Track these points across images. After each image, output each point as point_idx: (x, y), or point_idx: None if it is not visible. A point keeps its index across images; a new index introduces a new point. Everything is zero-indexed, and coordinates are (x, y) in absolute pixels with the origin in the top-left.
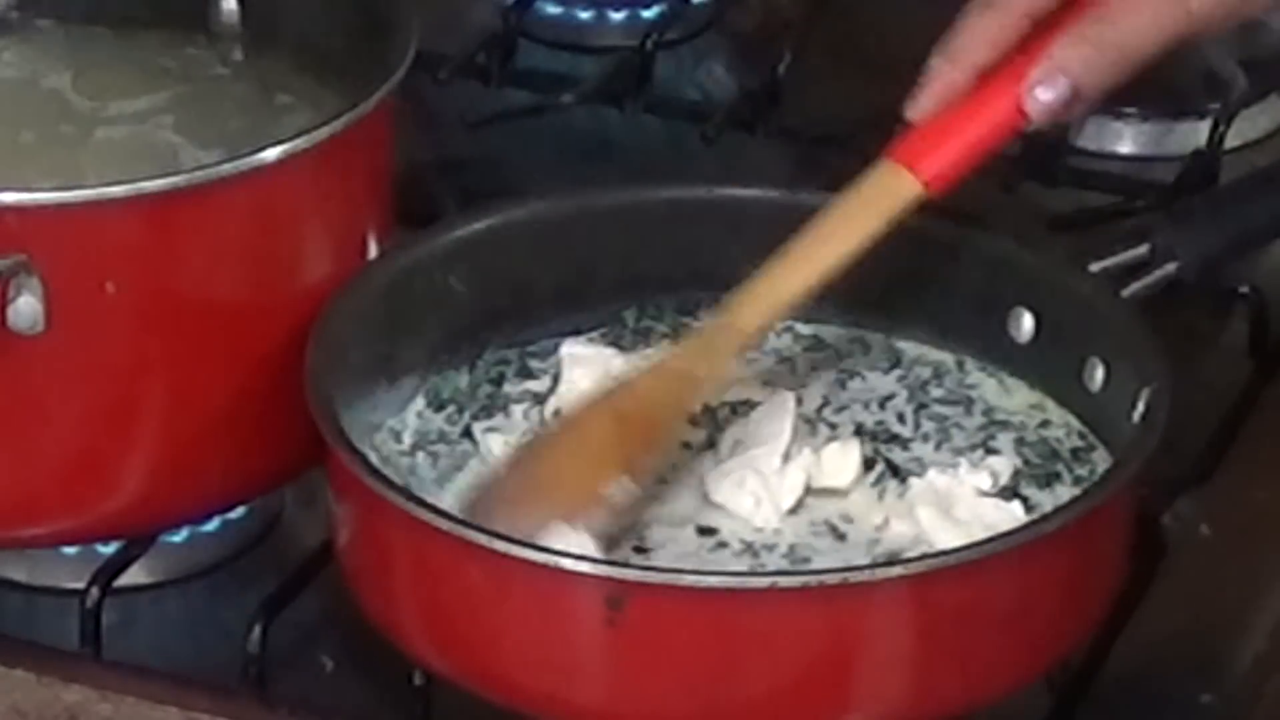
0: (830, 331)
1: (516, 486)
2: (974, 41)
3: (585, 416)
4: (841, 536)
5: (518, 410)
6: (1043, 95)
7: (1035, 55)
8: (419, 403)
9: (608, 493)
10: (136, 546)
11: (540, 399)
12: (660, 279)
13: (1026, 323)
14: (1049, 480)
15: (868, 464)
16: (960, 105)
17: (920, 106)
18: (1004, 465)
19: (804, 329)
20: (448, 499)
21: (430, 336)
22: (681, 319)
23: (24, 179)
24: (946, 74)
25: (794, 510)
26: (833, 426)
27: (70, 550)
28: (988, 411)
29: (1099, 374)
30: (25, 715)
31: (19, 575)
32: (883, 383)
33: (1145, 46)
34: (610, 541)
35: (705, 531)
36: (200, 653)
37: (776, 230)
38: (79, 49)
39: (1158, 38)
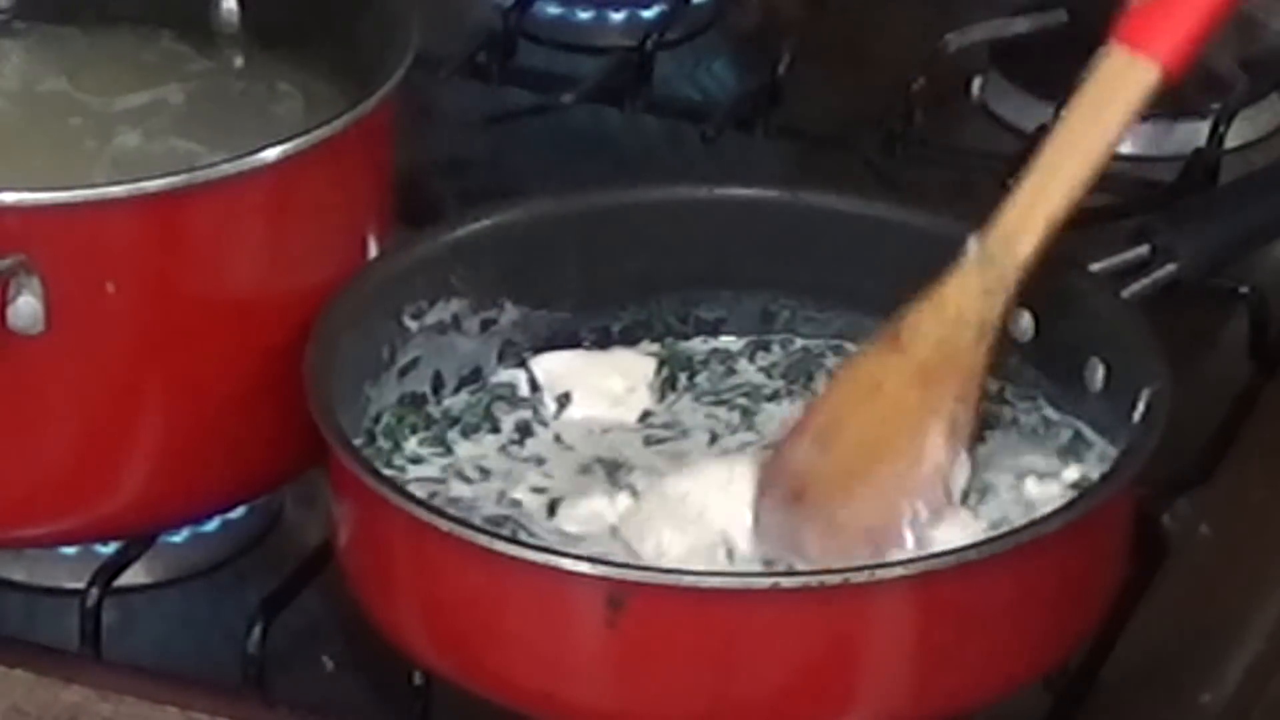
0: (830, 332)
1: (822, 468)
2: None
3: (869, 379)
4: None
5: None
6: None
7: None
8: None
9: (939, 457)
10: (136, 546)
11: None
12: (660, 279)
13: (1026, 323)
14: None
15: None
16: None
17: None
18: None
19: (802, 330)
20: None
21: (431, 336)
22: (681, 319)
23: (25, 180)
24: None
25: None
26: None
27: (70, 550)
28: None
29: (1099, 374)
30: (25, 715)
31: (19, 575)
32: None
33: None
34: None
35: None
36: (200, 653)
37: (776, 230)
38: (78, 50)
39: None
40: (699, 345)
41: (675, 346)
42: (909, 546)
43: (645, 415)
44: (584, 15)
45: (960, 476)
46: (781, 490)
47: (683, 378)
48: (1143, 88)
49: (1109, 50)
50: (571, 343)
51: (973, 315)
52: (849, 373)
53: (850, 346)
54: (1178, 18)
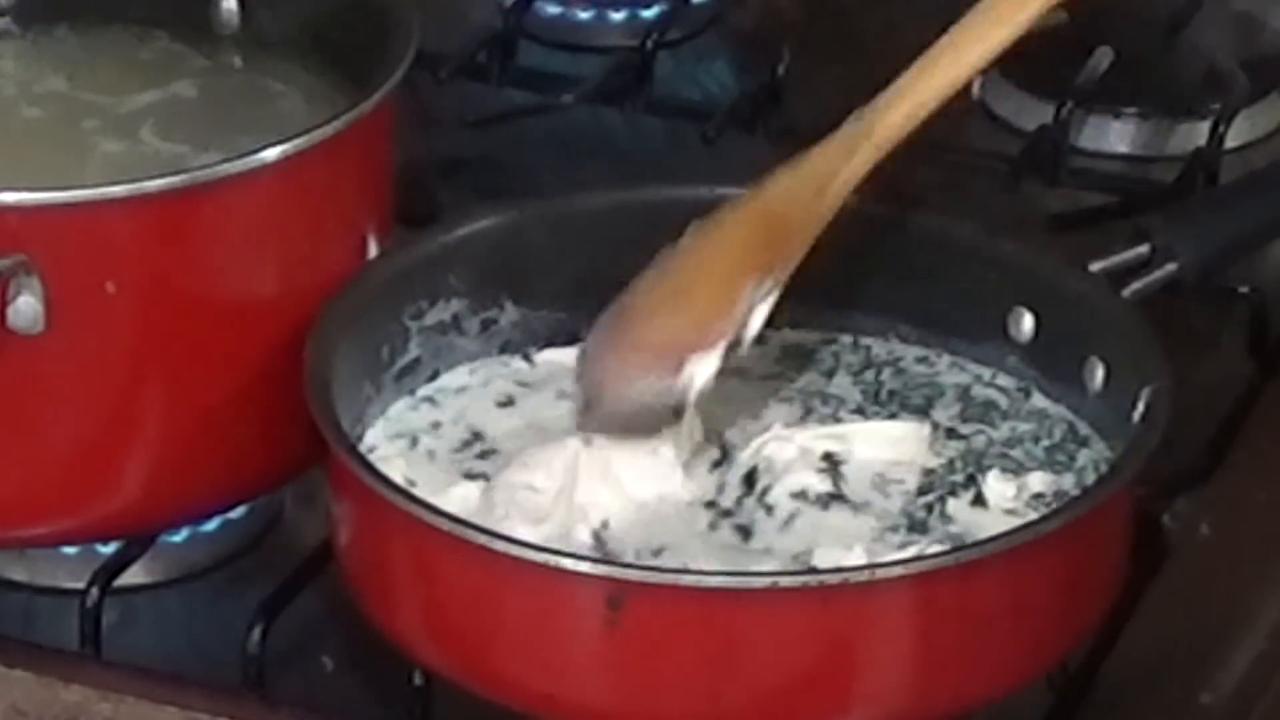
0: (829, 333)
1: (654, 296)
2: None
3: (725, 219)
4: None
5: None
6: None
7: None
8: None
9: (746, 293)
10: (136, 546)
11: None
12: None
13: (1026, 323)
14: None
15: None
16: None
17: None
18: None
19: (802, 331)
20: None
21: (431, 336)
22: None
23: (25, 180)
24: None
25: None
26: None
27: (70, 550)
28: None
29: (1099, 374)
30: (25, 715)
31: (19, 575)
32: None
33: None
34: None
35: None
36: (200, 653)
37: None
38: (78, 50)
39: None
40: None
41: None
42: (683, 378)
43: None
44: (584, 15)
45: (755, 324)
46: (610, 322)
47: None
48: None
49: None
50: (571, 343)
51: (821, 173)
52: (704, 221)
53: (845, 339)
54: None
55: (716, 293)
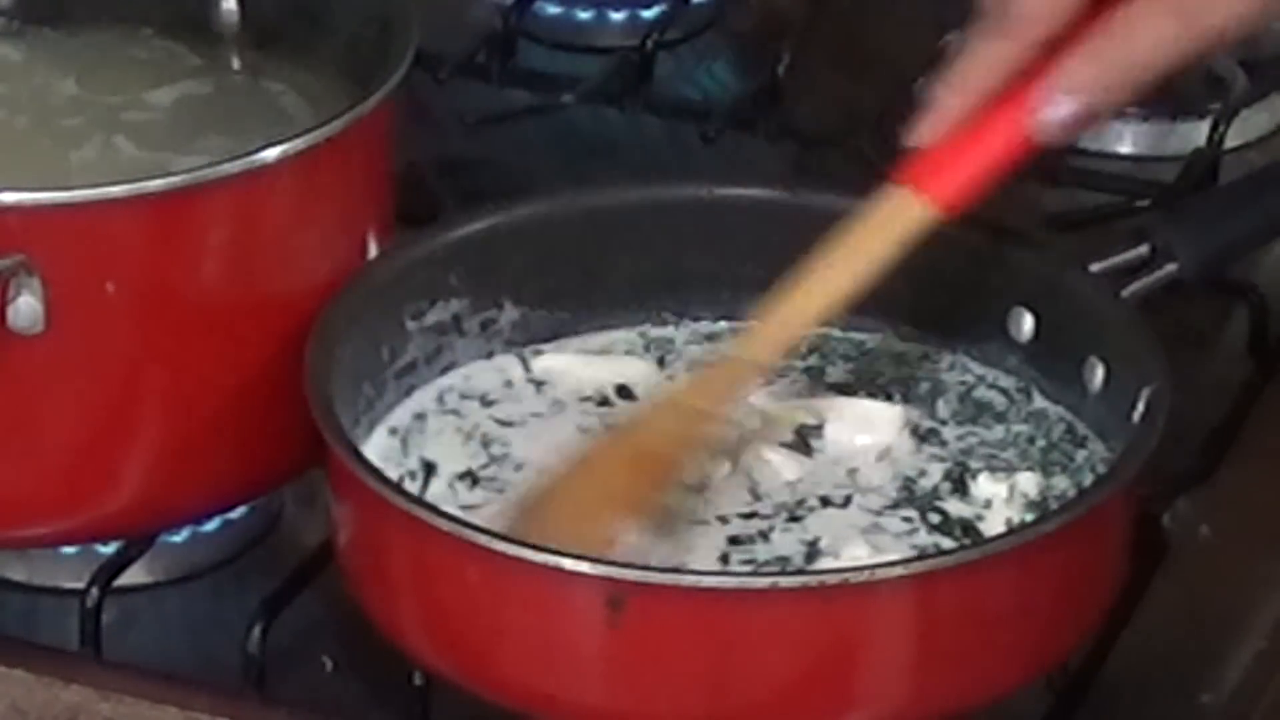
0: (828, 334)
1: (533, 527)
2: (979, 69)
3: (599, 453)
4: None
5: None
6: (1054, 115)
7: (1042, 76)
8: (420, 403)
9: (615, 535)
10: (136, 546)
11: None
12: (660, 279)
13: (1026, 323)
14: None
15: None
16: (968, 128)
17: (923, 134)
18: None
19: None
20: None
21: (431, 336)
22: (681, 319)
23: (25, 180)
24: (950, 101)
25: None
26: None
27: (70, 550)
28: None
29: (1099, 374)
30: (25, 715)
31: (19, 575)
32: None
33: (1156, 63)
34: None
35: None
36: (200, 653)
37: (776, 230)
38: (79, 50)
39: (1169, 54)
40: (697, 347)
41: (675, 346)
42: None
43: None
44: (584, 15)
45: (626, 539)
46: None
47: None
48: (913, 225)
49: (891, 186)
50: (570, 344)
51: (704, 413)
52: (583, 454)
53: (836, 333)
54: (958, 167)
55: (586, 534)
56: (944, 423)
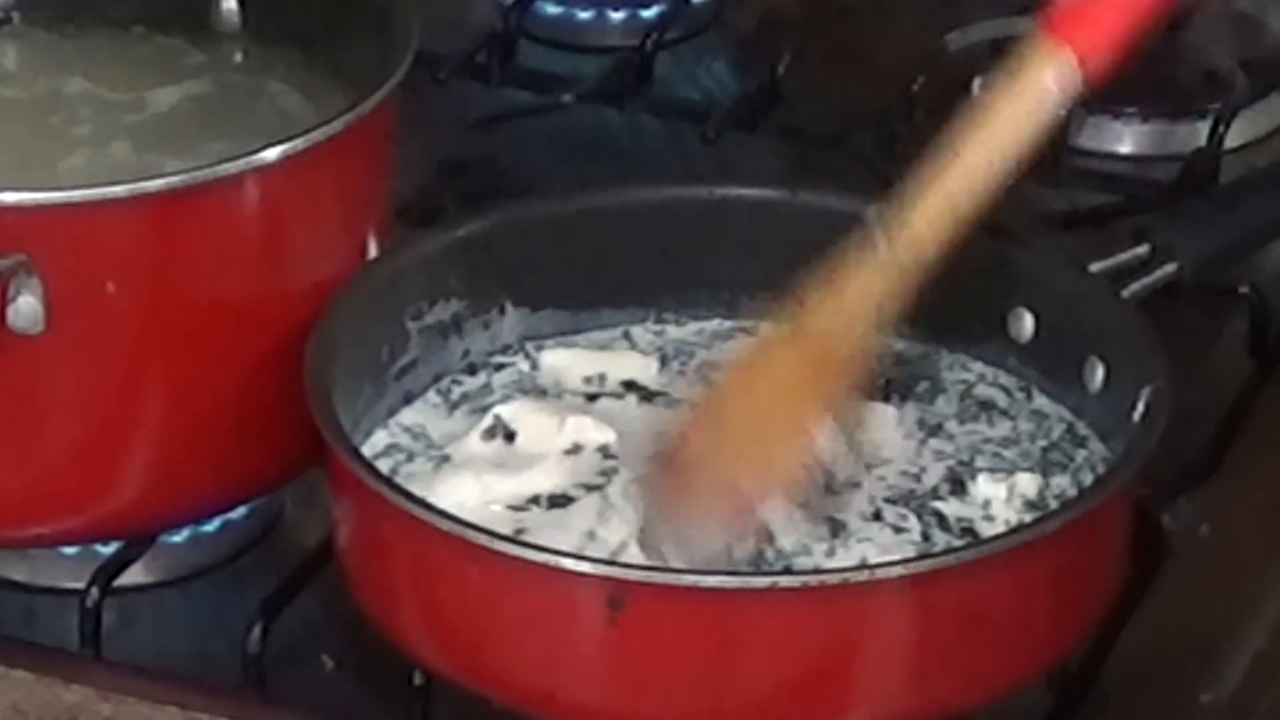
0: None
1: (711, 439)
2: None
3: (770, 357)
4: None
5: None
6: None
7: None
8: (420, 402)
9: (808, 431)
10: (136, 546)
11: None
12: (660, 279)
13: (1026, 323)
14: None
15: None
16: None
17: None
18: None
19: None
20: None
21: (431, 336)
22: (682, 319)
23: (25, 179)
24: None
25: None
26: None
27: (70, 550)
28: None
29: (1099, 374)
30: (25, 715)
31: (19, 575)
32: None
33: None
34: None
35: None
36: (200, 653)
37: (776, 230)
38: (79, 50)
39: None
40: (699, 347)
41: (678, 347)
42: (755, 523)
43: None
44: (584, 15)
45: (844, 466)
46: (668, 469)
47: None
48: (1062, 86)
49: (1034, 40)
50: (571, 343)
51: (870, 310)
52: (744, 358)
53: None
54: (1104, 14)
55: (780, 435)
56: (944, 422)
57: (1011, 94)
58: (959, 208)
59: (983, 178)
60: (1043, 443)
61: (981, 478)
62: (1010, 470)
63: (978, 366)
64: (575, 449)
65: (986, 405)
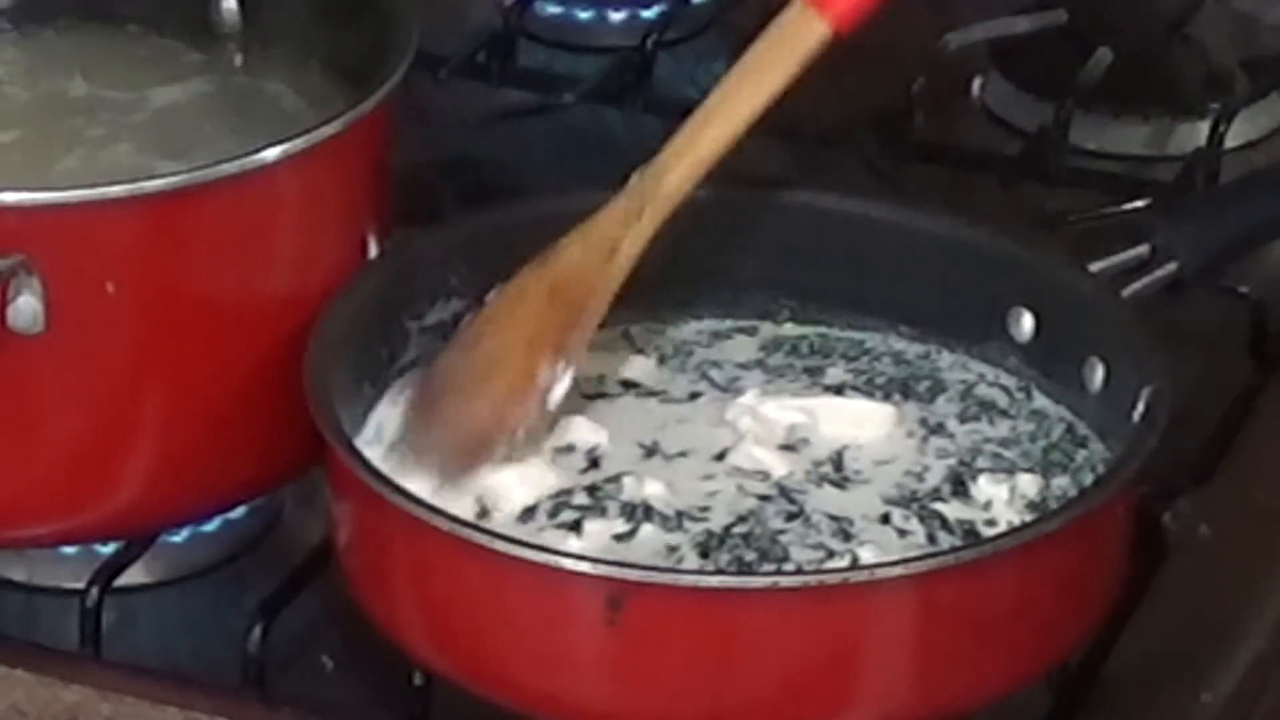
0: (828, 333)
1: (459, 371)
2: None
3: (517, 291)
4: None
5: None
6: None
7: None
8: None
9: (543, 373)
10: (136, 546)
11: None
12: (660, 278)
13: (1026, 323)
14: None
15: None
16: None
17: None
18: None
19: (802, 330)
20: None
21: (431, 336)
22: (682, 319)
23: (24, 179)
24: None
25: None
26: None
27: (70, 550)
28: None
29: (1099, 374)
30: (25, 715)
31: (19, 575)
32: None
33: None
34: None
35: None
36: (200, 653)
37: (776, 230)
38: (78, 50)
39: None
40: (700, 347)
41: (676, 346)
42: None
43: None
44: (584, 15)
45: (558, 393)
46: (428, 391)
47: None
48: (811, 44)
49: (791, 4)
50: None
51: (609, 238)
52: (505, 288)
53: (836, 332)
54: None
55: (513, 377)
56: (944, 422)
57: (764, 55)
58: (706, 161)
59: (730, 132)
60: (1043, 443)
61: (983, 479)
62: (1011, 470)
63: (978, 366)
64: (569, 449)
65: (987, 405)
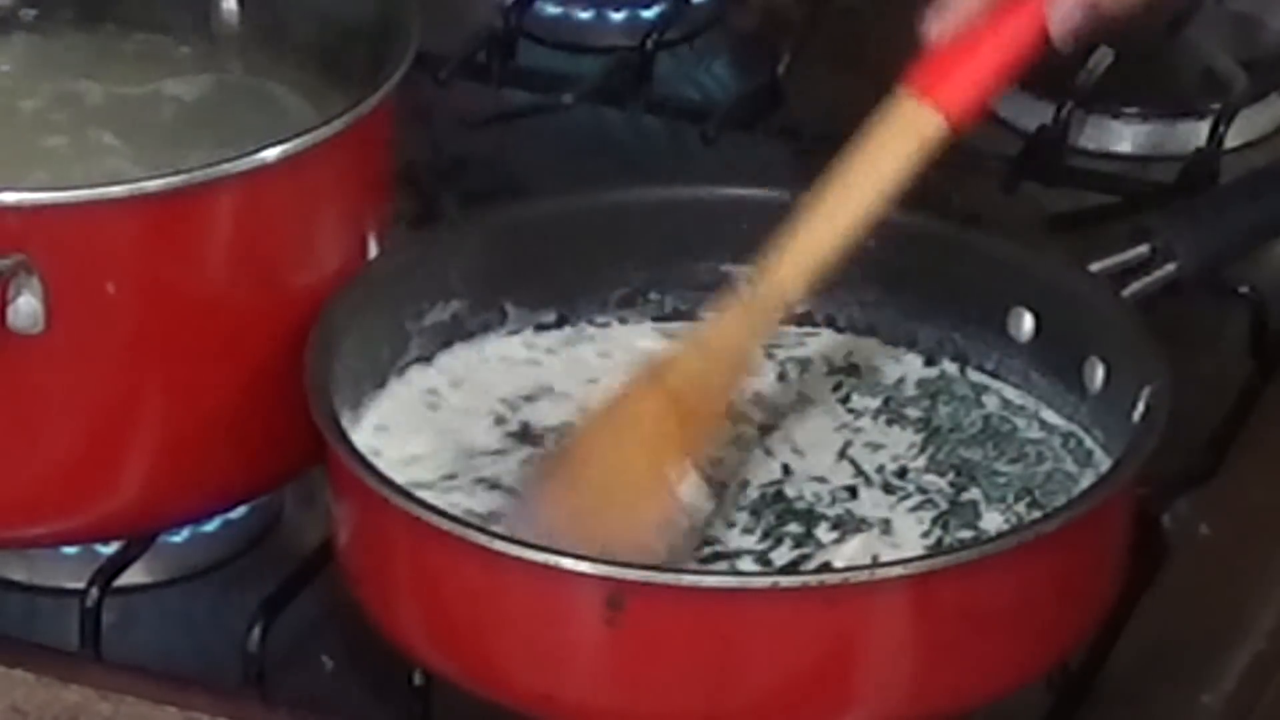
0: (829, 332)
1: (573, 488)
2: None
3: (634, 409)
4: None
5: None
6: (1064, 11)
7: None
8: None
9: (676, 483)
10: (136, 546)
11: None
12: (660, 279)
13: (1026, 323)
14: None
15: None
16: (977, 29)
17: (942, 26)
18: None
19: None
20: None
21: (430, 336)
22: (683, 319)
23: (24, 180)
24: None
25: None
26: None
27: (70, 550)
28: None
29: (1099, 374)
30: (25, 715)
31: (19, 575)
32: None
33: None
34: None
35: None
36: (200, 653)
37: (776, 230)
38: (78, 50)
39: None
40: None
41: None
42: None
43: None
44: (584, 15)
45: (701, 509)
46: (534, 522)
47: None
48: (926, 139)
49: (901, 94)
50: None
51: (734, 353)
52: (607, 407)
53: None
54: (969, 71)
55: (643, 492)
56: (944, 424)
57: (876, 149)
58: (823, 257)
59: (846, 229)
60: (1043, 444)
61: (984, 480)
62: (1011, 471)
63: (978, 368)
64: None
65: (987, 404)
